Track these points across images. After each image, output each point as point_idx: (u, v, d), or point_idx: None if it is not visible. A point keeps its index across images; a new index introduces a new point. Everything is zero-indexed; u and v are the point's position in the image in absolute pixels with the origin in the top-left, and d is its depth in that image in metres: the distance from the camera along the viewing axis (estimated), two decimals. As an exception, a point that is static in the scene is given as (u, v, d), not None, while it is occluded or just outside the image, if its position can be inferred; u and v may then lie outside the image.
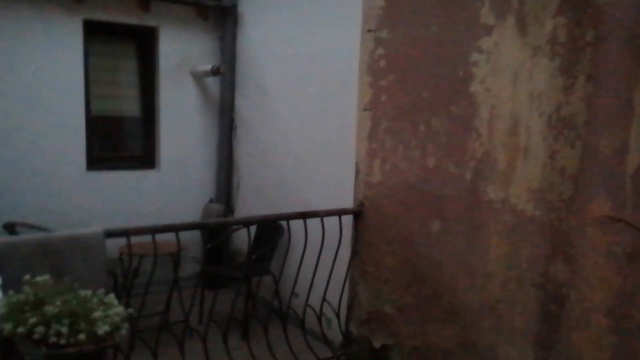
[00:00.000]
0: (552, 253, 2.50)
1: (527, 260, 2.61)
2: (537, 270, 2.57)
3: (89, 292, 1.84)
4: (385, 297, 3.41)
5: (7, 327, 1.59)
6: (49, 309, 1.65)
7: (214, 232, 4.82)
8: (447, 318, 3.04)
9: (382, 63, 3.38)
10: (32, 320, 1.61)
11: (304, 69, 4.20)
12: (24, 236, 3.44)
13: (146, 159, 4.94)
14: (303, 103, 4.23)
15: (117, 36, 4.79)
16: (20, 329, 1.59)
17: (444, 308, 3.05)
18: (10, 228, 3.83)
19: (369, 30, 3.45)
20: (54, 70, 4.31)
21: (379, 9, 3.34)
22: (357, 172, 3.61)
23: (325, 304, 3.60)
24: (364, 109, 3.53)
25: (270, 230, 4.25)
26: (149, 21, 4.69)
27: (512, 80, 2.67)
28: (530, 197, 2.59)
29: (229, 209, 5.09)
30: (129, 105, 4.97)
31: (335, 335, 3.73)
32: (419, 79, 3.16)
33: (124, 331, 1.81)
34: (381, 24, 3.36)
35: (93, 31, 4.52)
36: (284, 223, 3.81)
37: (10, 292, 1.77)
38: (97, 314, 1.71)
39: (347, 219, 3.62)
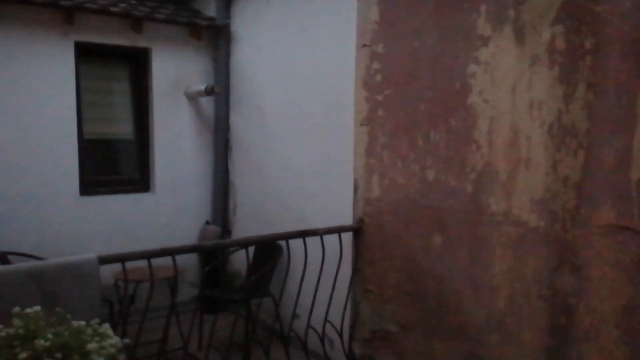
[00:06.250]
0: (558, 264, 2.44)
1: (532, 272, 2.55)
2: (543, 283, 2.51)
3: (82, 323, 1.76)
4: (389, 315, 3.33)
5: (-4, 363, 1.51)
6: (40, 343, 1.57)
7: (212, 255, 4.74)
8: (453, 334, 2.96)
9: (378, 77, 3.35)
10: (22, 355, 1.52)
11: (300, 85, 4.16)
12: (14, 265, 3.34)
13: (141, 182, 4.87)
14: (299, 120, 4.18)
15: (109, 58, 4.75)
16: (10, 365, 1.51)
17: (450, 324, 2.97)
18: (2, 258, 3.74)
19: (364, 45, 3.42)
20: (45, 93, 4.25)
21: (374, 23, 3.31)
22: (356, 189, 3.55)
23: (327, 324, 3.51)
24: (361, 124, 3.48)
25: (269, 251, 4.17)
26: (141, 42, 4.66)
27: (511, 91, 2.63)
28: (533, 208, 2.53)
29: (226, 230, 5.01)
30: (123, 127, 4.92)
31: (338, 356, 3.63)
32: (415, 92, 3.13)
33: (120, 363, 1.72)
34: (376, 39, 3.33)
35: (85, 53, 4.49)
36: (282, 243, 3.73)
37: (0, 326, 1.69)
38: (92, 345, 1.63)
39: (347, 237, 3.55)
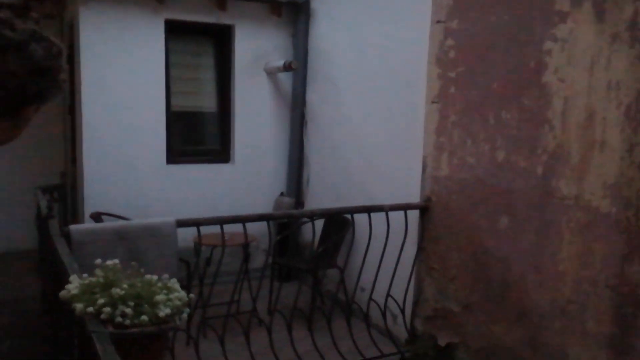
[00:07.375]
0: (629, 253, 2.33)
1: (601, 259, 2.45)
2: (612, 271, 2.41)
3: (154, 277, 1.95)
4: (452, 294, 3.33)
5: (79, 307, 1.73)
6: (116, 291, 1.78)
7: (285, 226, 4.93)
8: (515, 318, 2.92)
9: (452, 54, 3.29)
10: (101, 301, 1.73)
11: (373, 62, 4.17)
12: (103, 224, 3.71)
13: (222, 153, 5.13)
14: (371, 96, 4.21)
15: (195, 35, 5.01)
16: (90, 309, 1.72)
17: (512, 307, 2.93)
18: (96, 217, 4.13)
19: (439, 21, 3.37)
20: (137, 68, 4.58)
21: (448, -1, 3.25)
22: (425, 167, 3.55)
23: (390, 299, 3.57)
24: (432, 102, 3.46)
25: (338, 224, 4.28)
26: (225, 19, 4.86)
27: (588, 69, 2.51)
28: (605, 193, 2.42)
29: (299, 202, 5.18)
30: (207, 101, 5.19)
31: (400, 331, 3.69)
32: (489, 70, 3.05)
33: (185, 315, 1.90)
34: (451, 15, 3.27)
35: (173, 30, 4.76)
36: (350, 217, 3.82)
37: (85, 275, 1.92)
38: (160, 297, 1.82)
39: (414, 214, 3.57)
